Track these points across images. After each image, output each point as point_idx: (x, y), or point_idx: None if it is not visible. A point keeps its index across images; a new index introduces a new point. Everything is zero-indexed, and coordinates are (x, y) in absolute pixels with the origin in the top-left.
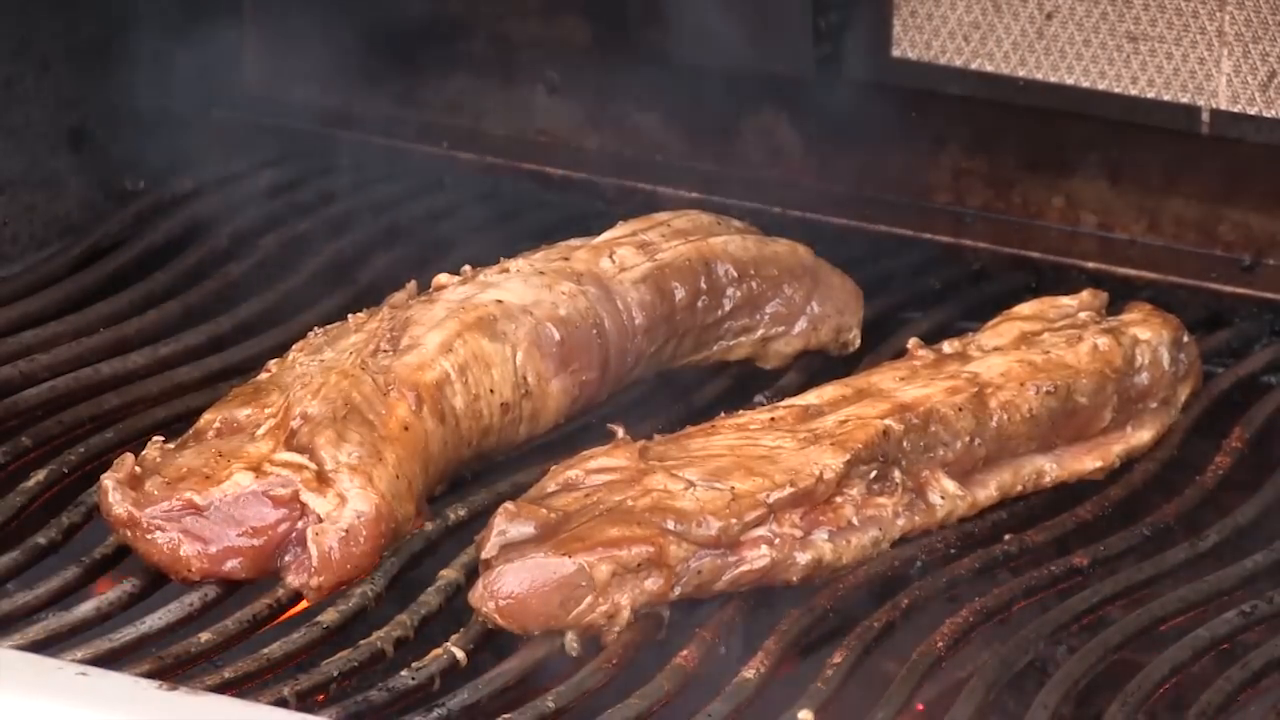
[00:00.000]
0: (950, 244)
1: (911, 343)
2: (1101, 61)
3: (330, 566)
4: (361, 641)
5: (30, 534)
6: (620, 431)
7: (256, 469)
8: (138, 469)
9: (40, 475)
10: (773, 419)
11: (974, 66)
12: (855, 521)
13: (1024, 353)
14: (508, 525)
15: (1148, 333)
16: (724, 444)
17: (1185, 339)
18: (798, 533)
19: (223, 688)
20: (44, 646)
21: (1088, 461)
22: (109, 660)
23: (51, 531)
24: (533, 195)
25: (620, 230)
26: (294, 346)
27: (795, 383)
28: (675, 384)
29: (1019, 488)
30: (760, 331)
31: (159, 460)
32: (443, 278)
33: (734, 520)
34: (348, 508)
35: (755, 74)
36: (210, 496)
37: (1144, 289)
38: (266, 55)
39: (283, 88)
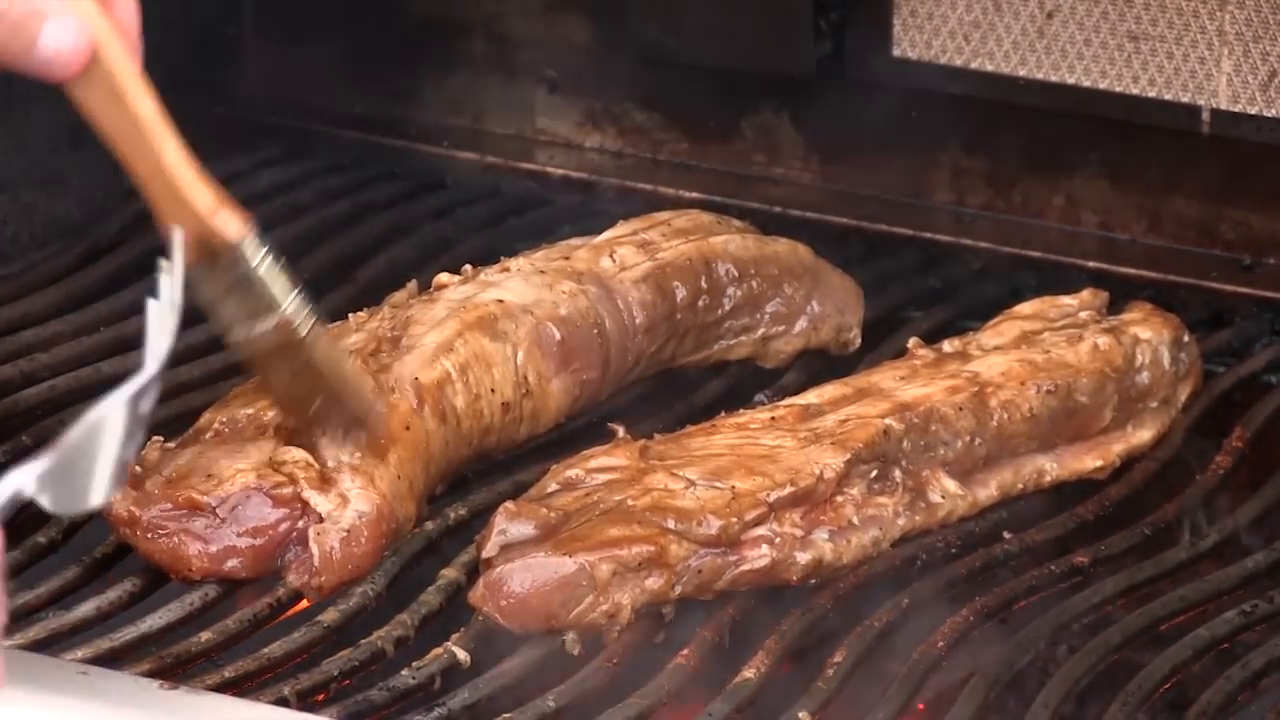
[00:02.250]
0: (950, 244)
1: (912, 342)
2: (1102, 61)
3: (331, 566)
4: (362, 641)
5: (30, 534)
6: (620, 431)
7: (257, 469)
8: (138, 469)
9: None
10: (773, 418)
11: (974, 66)
12: (855, 521)
13: (1024, 352)
14: (508, 525)
15: (1148, 332)
16: (724, 443)
17: (1186, 338)
18: (798, 532)
19: (223, 687)
20: (44, 646)
21: (1088, 461)
22: (109, 659)
23: (51, 531)
24: (533, 195)
25: (620, 230)
26: None
27: (795, 382)
28: (675, 383)
29: (1019, 487)
30: (760, 331)
31: (159, 460)
32: (443, 277)
33: (734, 519)
34: (349, 508)
35: (755, 74)
36: (211, 496)
37: (1144, 288)
38: (266, 55)
39: (283, 88)
